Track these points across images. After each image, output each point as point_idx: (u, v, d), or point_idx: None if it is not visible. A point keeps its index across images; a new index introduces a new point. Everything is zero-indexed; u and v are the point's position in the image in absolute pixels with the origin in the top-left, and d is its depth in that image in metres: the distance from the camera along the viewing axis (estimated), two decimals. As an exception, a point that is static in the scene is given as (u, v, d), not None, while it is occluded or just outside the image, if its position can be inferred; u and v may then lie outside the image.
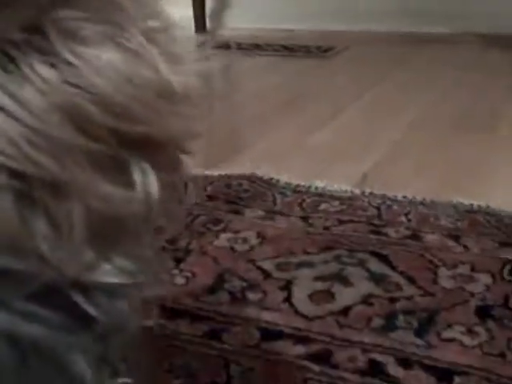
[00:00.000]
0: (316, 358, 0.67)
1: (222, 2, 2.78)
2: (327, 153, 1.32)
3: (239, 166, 1.19)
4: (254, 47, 2.40)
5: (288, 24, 2.59)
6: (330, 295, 0.78)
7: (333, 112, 1.60)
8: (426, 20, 2.37)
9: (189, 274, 0.83)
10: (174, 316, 0.73)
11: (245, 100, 1.83)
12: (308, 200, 1.04)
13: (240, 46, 2.42)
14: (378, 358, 0.66)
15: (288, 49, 2.32)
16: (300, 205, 1.03)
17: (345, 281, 0.81)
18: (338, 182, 1.11)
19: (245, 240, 0.92)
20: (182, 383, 0.64)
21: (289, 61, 2.21)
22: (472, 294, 0.77)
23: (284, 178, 1.12)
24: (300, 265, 0.85)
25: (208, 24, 2.74)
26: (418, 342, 0.68)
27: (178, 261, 0.86)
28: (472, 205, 0.99)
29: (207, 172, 1.13)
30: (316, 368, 0.65)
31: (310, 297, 0.78)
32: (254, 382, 0.64)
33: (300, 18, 2.57)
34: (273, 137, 1.43)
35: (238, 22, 2.71)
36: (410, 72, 1.99)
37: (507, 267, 0.82)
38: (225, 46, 2.47)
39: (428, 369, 0.64)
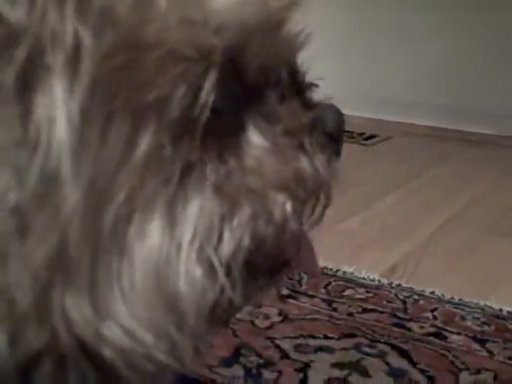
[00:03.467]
0: None
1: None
2: (358, 239, 1.32)
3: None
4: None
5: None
6: (346, 384, 0.76)
7: (369, 199, 1.61)
8: (472, 119, 2.39)
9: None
10: (186, 384, 0.72)
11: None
12: (334, 284, 1.04)
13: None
14: None
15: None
16: (325, 287, 1.02)
17: (363, 371, 0.79)
18: (366, 269, 1.11)
19: (266, 316, 0.91)
20: None
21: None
22: (493, 403, 0.74)
23: (313, 259, 1.12)
24: (319, 348, 0.84)
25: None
26: None
27: (198, 328, 0.85)
28: (501, 310, 0.97)
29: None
30: None
31: (326, 383, 0.76)
32: None
33: (348, 103, 2.61)
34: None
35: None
36: (450, 169, 2.00)
37: (533, 380, 0.79)
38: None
39: None
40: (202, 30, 0.27)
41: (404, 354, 0.84)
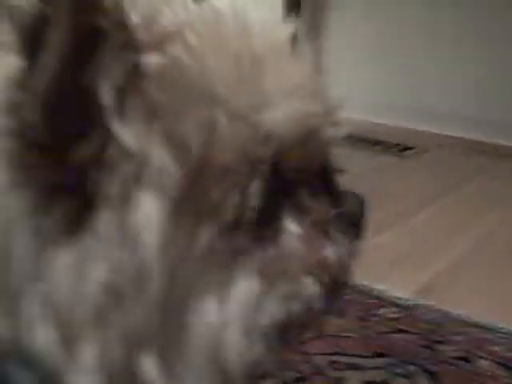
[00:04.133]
0: None
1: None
2: (390, 255, 1.36)
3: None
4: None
5: (371, 116, 2.67)
6: (375, 403, 0.81)
7: (402, 214, 1.65)
8: (507, 132, 2.40)
9: (245, 356, 0.87)
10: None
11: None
12: (368, 301, 1.08)
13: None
14: None
15: (367, 141, 2.39)
16: (358, 304, 1.06)
17: (392, 391, 0.83)
18: (398, 286, 1.14)
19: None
20: None
21: (366, 154, 2.28)
22: (515, 430, 0.78)
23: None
24: (351, 366, 0.88)
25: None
26: None
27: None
28: (528, 336, 1.00)
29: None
30: None
31: (357, 400, 0.81)
32: None
33: (384, 113, 2.65)
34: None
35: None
36: (485, 184, 2.02)
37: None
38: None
39: None
40: (252, 143, 0.32)
41: (432, 376, 0.88)
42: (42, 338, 0.29)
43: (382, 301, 1.09)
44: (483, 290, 1.22)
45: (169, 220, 0.30)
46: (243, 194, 0.32)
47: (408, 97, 2.61)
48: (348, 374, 0.86)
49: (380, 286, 1.14)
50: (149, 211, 0.29)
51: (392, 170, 2.12)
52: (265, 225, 0.34)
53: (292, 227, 0.35)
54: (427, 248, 1.43)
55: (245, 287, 0.33)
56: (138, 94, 0.30)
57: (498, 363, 0.92)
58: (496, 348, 0.97)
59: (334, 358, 0.90)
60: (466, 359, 0.93)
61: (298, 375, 0.84)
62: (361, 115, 2.69)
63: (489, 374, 0.90)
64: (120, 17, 0.29)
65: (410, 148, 2.35)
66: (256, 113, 0.32)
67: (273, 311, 0.34)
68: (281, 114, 0.33)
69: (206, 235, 0.31)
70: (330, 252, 0.36)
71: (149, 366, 0.31)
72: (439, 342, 0.97)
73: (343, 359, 0.90)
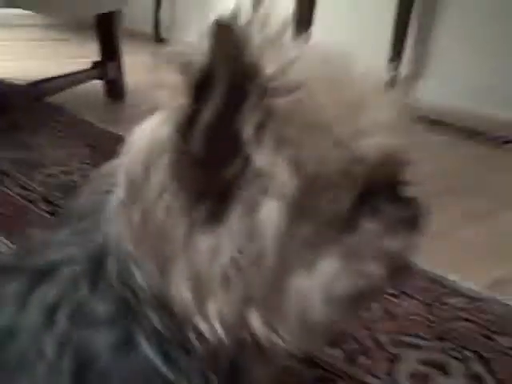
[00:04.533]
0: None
1: (418, 71, 2.92)
2: (472, 249, 1.43)
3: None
4: (434, 123, 2.52)
5: (475, 106, 2.67)
6: (427, 379, 0.92)
7: (491, 209, 1.69)
8: None
9: (317, 326, 1.01)
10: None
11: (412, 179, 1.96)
12: (435, 289, 1.18)
13: (422, 120, 2.55)
14: None
15: (469, 131, 2.41)
16: (426, 291, 1.16)
17: (444, 371, 0.94)
18: (471, 279, 1.23)
19: (372, 312, 1.08)
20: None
21: (466, 144, 2.31)
22: (554, 418, 0.86)
23: (418, 263, 1.26)
24: (411, 345, 0.99)
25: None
26: None
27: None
28: None
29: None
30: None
31: (410, 375, 0.92)
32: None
33: (488, 102, 2.64)
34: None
35: (428, 94, 2.84)
36: None
37: None
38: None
39: None
40: (350, 164, 0.44)
41: (486, 362, 0.97)
42: (183, 294, 0.43)
43: (453, 290, 1.18)
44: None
45: (284, 219, 0.42)
46: (342, 200, 0.44)
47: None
48: (407, 352, 0.98)
49: (452, 277, 1.22)
50: (270, 213, 0.42)
51: (490, 163, 2.14)
52: (349, 221, 0.46)
53: (368, 224, 0.47)
54: (507, 245, 1.48)
55: (328, 267, 0.45)
56: (270, 129, 0.42)
57: (552, 358, 1.00)
58: (553, 344, 1.04)
59: (397, 336, 1.01)
60: (521, 351, 1.01)
61: (361, 348, 0.97)
62: (469, 104, 2.70)
63: (541, 366, 0.97)
64: (261, 76, 0.40)
65: (513, 141, 2.35)
66: (355, 141, 0.44)
67: (347, 286, 0.46)
68: (372, 143, 0.45)
69: (309, 228, 0.44)
70: (393, 245, 0.48)
71: (256, 320, 0.44)
72: (498, 333, 1.05)
73: (405, 339, 1.01)
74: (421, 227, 0.50)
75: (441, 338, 1.02)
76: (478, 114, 2.66)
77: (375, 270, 0.46)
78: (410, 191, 0.51)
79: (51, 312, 0.45)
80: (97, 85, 2.34)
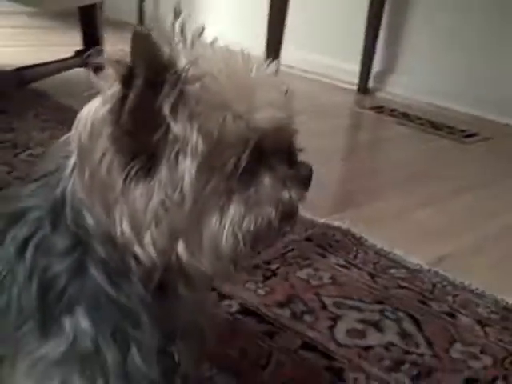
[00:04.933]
0: (334, 371, 0.94)
1: (390, 67, 3.05)
2: (421, 228, 1.56)
3: (341, 220, 1.47)
4: (403, 116, 2.65)
5: (442, 101, 2.81)
6: (362, 335, 1.04)
7: (449, 194, 1.83)
8: None
9: (269, 289, 1.13)
10: (248, 313, 1.04)
11: (379, 166, 2.10)
12: (382, 262, 1.30)
13: (392, 113, 2.69)
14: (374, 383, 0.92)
15: (433, 125, 2.55)
16: (374, 264, 1.29)
17: (378, 328, 1.06)
18: (417, 254, 1.35)
19: (320, 278, 1.20)
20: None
21: (430, 137, 2.44)
22: (469, 368, 0.99)
23: (372, 240, 1.39)
24: (352, 307, 1.12)
25: (372, 83, 3.04)
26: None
27: (266, 278, 1.17)
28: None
29: (315, 218, 1.43)
30: (327, 375, 0.92)
31: (348, 331, 1.04)
32: (284, 373, 0.93)
33: (454, 98, 2.78)
34: (382, 204, 1.70)
35: (399, 89, 2.97)
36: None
37: (509, 358, 1.03)
38: (379, 109, 2.76)
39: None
40: (246, 131, 0.56)
41: (416, 322, 1.10)
42: (124, 229, 0.54)
43: (395, 263, 1.31)
44: (497, 268, 1.40)
45: (197, 171, 0.54)
46: (239, 158, 0.56)
47: (482, 86, 2.72)
48: (348, 313, 1.10)
49: (397, 251, 1.35)
50: (186, 167, 0.53)
51: (453, 155, 2.28)
52: (250, 176, 0.58)
53: (266, 179, 0.59)
54: (458, 226, 1.62)
55: (234, 209, 0.57)
56: (184, 106, 0.54)
57: (477, 321, 1.13)
58: (480, 309, 1.17)
59: (341, 300, 1.14)
60: (450, 314, 1.14)
61: (307, 308, 1.09)
62: (433, 99, 2.84)
63: (466, 328, 1.11)
64: (175, 68, 0.52)
65: (474, 135, 2.49)
66: (249, 114, 0.56)
67: (249, 225, 0.58)
68: (263, 115, 0.57)
69: (216, 179, 0.55)
70: (285, 195, 0.60)
71: (180, 247, 0.56)
72: (432, 299, 1.18)
73: (348, 302, 1.13)
74: (307, 184, 0.62)
75: (380, 302, 1.15)
76: (443, 109, 2.80)
77: (271, 213, 0.59)
78: (300, 156, 0.63)
79: (22, 246, 0.57)
80: (80, 72, 2.45)
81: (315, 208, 1.44)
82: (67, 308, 0.56)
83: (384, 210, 1.67)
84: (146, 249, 0.55)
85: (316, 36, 3.21)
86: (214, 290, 1.06)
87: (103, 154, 0.53)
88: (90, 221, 0.56)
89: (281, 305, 1.09)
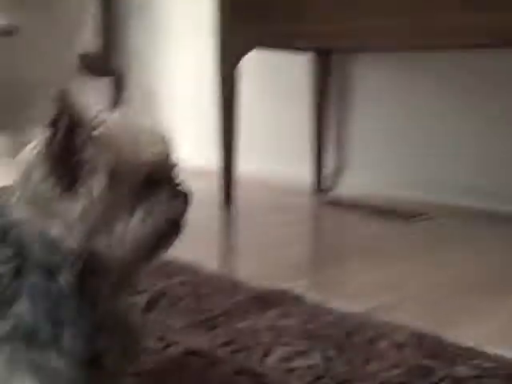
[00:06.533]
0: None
1: (339, 168, 3.36)
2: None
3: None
4: (354, 206, 2.92)
5: (391, 190, 3.09)
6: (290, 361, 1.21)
7: (381, 264, 2.03)
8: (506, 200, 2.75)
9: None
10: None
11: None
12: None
13: (344, 204, 2.96)
14: None
15: (380, 211, 2.81)
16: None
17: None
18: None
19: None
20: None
21: (376, 221, 2.69)
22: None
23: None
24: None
25: (326, 183, 3.33)
26: None
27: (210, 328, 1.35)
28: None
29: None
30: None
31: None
32: None
33: (400, 187, 3.06)
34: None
35: (351, 185, 3.26)
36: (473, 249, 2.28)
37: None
38: (335, 203, 3.02)
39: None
40: (136, 166, 0.79)
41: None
42: (57, 230, 0.76)
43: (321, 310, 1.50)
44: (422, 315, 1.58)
45: (103, 187, 0.76)
46: (134, 182, 0.79)
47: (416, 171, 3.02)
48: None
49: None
50: (97, 183, 0.76)
51: (392, 233, 2.50)
52: (145, 193, 0.80)
53: (157, 196, 0.81)
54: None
55: (136, 216, 0.79)
56: (92, 144, 0.78)
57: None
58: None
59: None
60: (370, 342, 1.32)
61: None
62: (383, 190, 3.12)
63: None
64: (87, 131, 0.77)
65: (417, 215, 2.74)
66: (136, 155, 0.80)
67: (147, 228, 0.79)
68: (147, 155, 0.81)
69: (119, 195, 0.78)
70: (171, 208, 0.83)
71: (99, 241, 0.77)
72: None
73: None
74: (187, 200, 0.86)
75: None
76: (390, 195, 3.07)
77: (162, 220, 0.81)
78: (179, 181, 0.87)
79: None
80: None
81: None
82: (11, 298, 0.76)
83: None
84: (74, 241, 0.76)
85: (269, 146, 3.55)
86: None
87: (39, 179, 0.77)
88: (28, 233, 0.78)
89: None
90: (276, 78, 3.54)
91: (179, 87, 4.06)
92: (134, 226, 0.78)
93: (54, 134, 0.75)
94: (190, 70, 4.00)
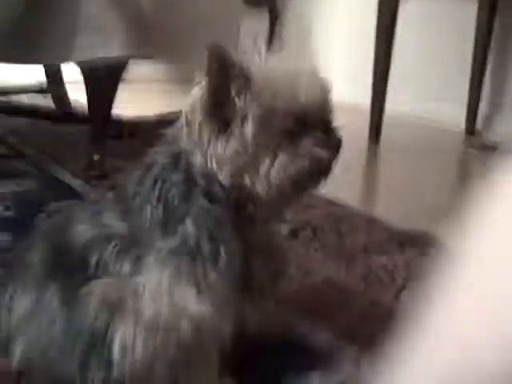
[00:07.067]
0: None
1: (497, 110, 3.20)
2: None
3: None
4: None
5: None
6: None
7: None
8: None
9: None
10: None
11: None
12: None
13: (494, 149, 2.84)
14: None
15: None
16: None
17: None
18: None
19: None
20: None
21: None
22: None
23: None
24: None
25: (480, 126, 3.20)
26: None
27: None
28: None
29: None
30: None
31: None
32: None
33: None
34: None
35: (506, 131, 3.10)
36: None
37: None
38: (491, 149, 2.91)
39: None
40: (290, 104, 0.85)
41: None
42: (213, 166, 0.84)
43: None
44: None
45: (255, 130, 0.83)
46: (285, 123, 0.85)
47: None
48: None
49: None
50: (249, 126, 0.82)
51: None
52: (293, 137, 0.86)
53: (305, 139, 0.86)
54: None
55: (282, 157, 0.84)
56: (245, 89, 0.83)
57: None
58: None
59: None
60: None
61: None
62: None
63: None
64: (244, 77, 0.84)
65: None
66: (294, 99, 0.86)
67: (292, 169, 0.85)
68: (303, 98, 0.86)
69: (269, 137, 0.84)
70: (319, 154, 0.87)
71: (247, 179, 0.86)
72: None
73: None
74: (337, 148, 0.89)
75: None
76: None
77: (306, 165, 0.86)
78: (333, 127, 0.90)
79: (154, 182, 0.88)
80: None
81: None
82: (179, 219, 0.86)
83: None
84: (225, 177, 0.85)
85: (422, 82, 3.44)
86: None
87: (199, 120, 0.86)
88: (195, 164, 0.87)
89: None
90: (440, 15, 3.39)
91: (336, 22, 4.01)
92: (279, 167, 0.84)
93: (212, 83, 0.82)
94: (348, 5, 3.93)
